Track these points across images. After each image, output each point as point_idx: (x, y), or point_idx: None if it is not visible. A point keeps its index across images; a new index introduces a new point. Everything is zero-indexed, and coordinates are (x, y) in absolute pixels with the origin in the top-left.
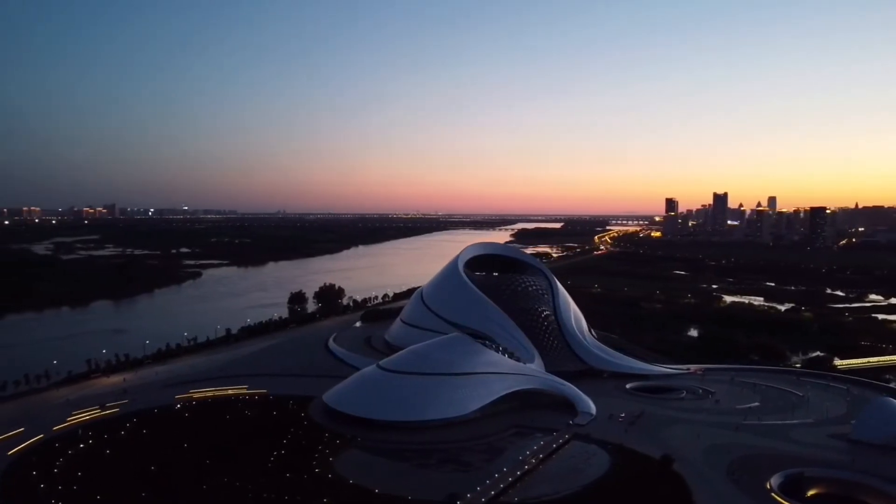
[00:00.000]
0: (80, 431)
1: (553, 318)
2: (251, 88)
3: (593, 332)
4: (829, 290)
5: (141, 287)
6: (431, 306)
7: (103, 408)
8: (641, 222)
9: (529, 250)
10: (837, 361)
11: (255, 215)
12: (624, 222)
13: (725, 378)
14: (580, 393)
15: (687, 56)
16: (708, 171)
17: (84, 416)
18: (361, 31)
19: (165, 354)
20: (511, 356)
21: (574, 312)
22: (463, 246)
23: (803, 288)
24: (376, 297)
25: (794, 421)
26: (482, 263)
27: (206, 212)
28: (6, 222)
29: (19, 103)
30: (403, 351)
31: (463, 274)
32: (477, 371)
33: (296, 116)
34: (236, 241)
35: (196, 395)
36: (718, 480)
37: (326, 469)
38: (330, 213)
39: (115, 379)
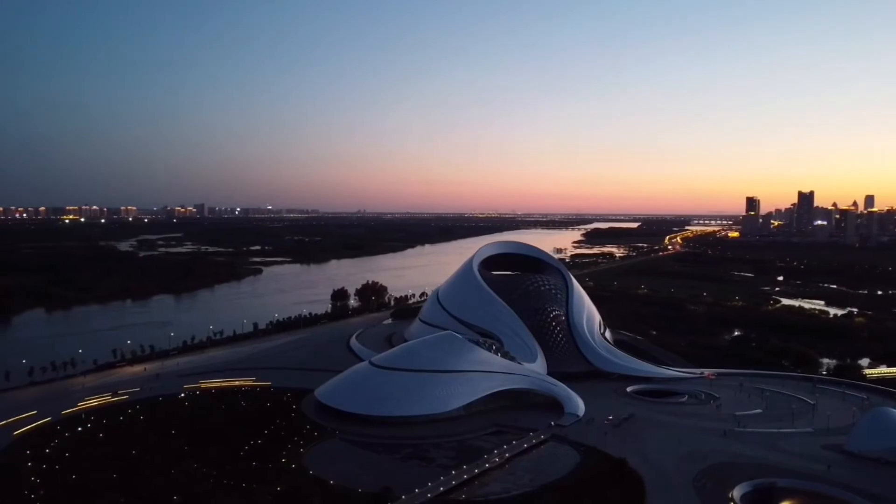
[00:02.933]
0: (83, 416)
1: (563, 318)
2: (335, 92)
3: (606, 336)
4: None
5: (202, 282)
6: (445, 305)
7: (114, 395)
8: (724, 222)
9: (594, 250)
10: (867, 370)
11: (335, 214)
12: (706, 222)
13: (736, 383)
14: (572, 394)
15: (770, 45)
16: (796, 169)
17: (94, 402)
18: (438, 32)
19: (191, 347)
20: (506, 355)
21: (588, 313)
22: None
23: (879, 292)
24: (413, 295)
25: (791, 429)
26: (503, 262)
27: (290, 211)
28: (102, 220)
29: (119, 109)
30: (396, 348)
31: (476, 273)
32: (464, 369)
33: (379, 118)
34: (306, 240)
35: (203, 386)
36: (680, 487)
37: (293, 460)
38: (408, 213)
39: (137, 368)
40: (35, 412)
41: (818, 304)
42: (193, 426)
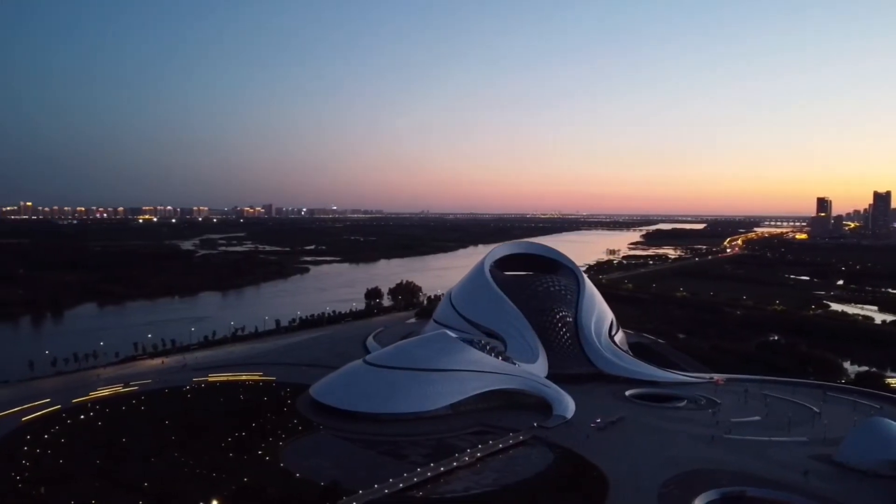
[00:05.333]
0: (89, 405)
1: (571, 319)
2: (403, 94)
3: (615, 339)
4: None
5: (249, 280)
6: (456, 305)
7: (125, 385)
8: (796, 223)
9: (649, 252)
10: (889, 379)
11: (398, 215)
12: (777, 224)
13: (741, 389)
14: (563, 397)
15: (842, 32)
16: (874, 169)
17: (105, 392)
18: (500, 32)
19: (212, 342)
20: (501, 355)
21: (598, 315)
22: (580, 245)
23: None
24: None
25: (785, 438)
26: (520, 263)
27: (354, 211)
28: (173, 220)
29: (194, 113)
30: (391, 346)
31: (487, 274)
32: (453, 368)
33: (447, 119)
34: (361, 240)
35: (211, 379)
36: (645, 493)
37: (269, 453)
38: (471, 213)
39: (155, 362)
40: (48, 400)
41: (870, 310)
42: (187, 417)
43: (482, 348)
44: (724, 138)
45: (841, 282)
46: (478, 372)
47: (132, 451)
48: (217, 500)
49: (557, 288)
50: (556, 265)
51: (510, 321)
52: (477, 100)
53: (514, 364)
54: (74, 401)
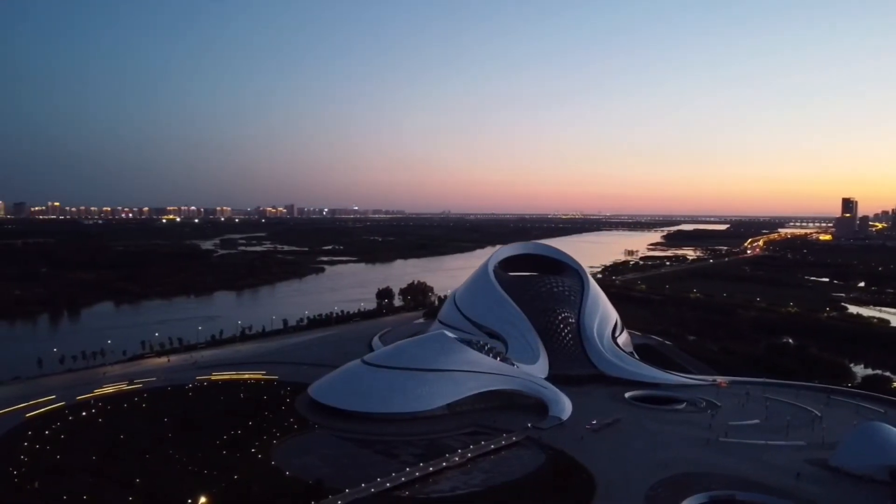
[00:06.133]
0: (92, 402)
1: (574, 320)
2: (424, 95)
3: (618, 340)
4: None
5: (264, 280)
6: (460, 305)
7: (130, 383)
8: (822, 224)
9: (668, 253)
10: None
11: (419, 215)
12: (802, 224)
13: (743, 392)
14: (560, 398)
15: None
16: None
17: (109, 389)
18: (520, 30)
19: (219, 341)
20: (499, 356)
21: (601, 316)
22: (599, 246)
23: None
24: None
25: (782, 442)
26: (525, 263)
27: (376, 211)
28: (196, 220)
29: (220, 115)
30: (389, 346)
31: (491, 275)
32: (449, 368)
33: (465, 118)
34: (379, 240)
35: (214, 377)
36: (633, 495)
37: (262, 451)
38: (492, 214)
39: (161, 360)
40: (53, 397)
41: (890, 313)
42: (185, 415)
43: (480, 349)
44: (749, 137)
45: (862, 283)
46: (474, 372)
47: (128, 447)
48: (205, 496)
49: (561, 289)
50: (561, 266)
51: (512, 322)
52: (499, 100)
53: (513, 365)
54: (78, 398)
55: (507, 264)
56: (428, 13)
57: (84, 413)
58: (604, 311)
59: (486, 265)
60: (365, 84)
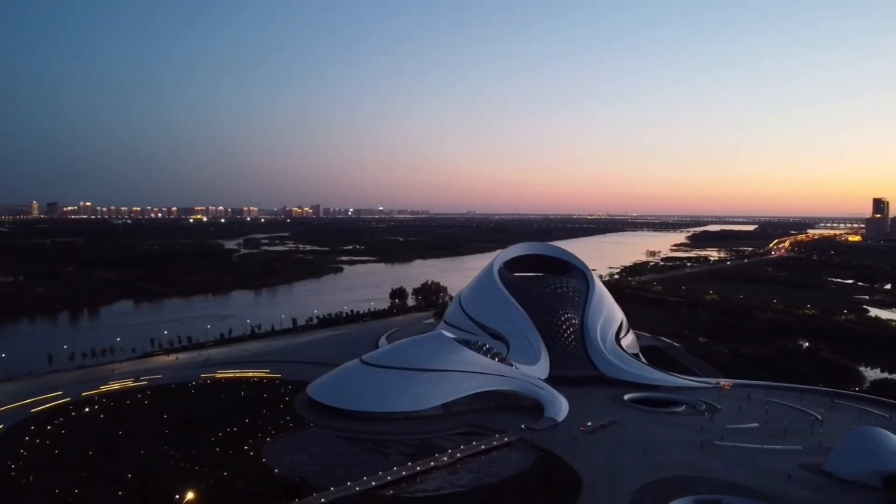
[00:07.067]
0: (96, 398)
1: (577, 321)
2: (451, 96)
3: (621, 342)
4: None
5: (282, 279)
6: (464, 306)
7: (136, 380)
8: (853, 225)
9: (691, 254)
10: None
11: (444, 215)
12: (832, 225)
13: (744, 395)
14: (557, 399)
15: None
16: None
17: (115, 386)
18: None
19: (228, 340)
20: (497, 356)
21: (605, 318)
22: (621, 247)
23: None
24: None
25: (779, 446)
26: (530, 264)
27: (401, 212)
28: (222, 220)
29: (254, 114)
30: (387, 346)
31: (496, 275)
32: (445, 368)
33: (491, 118)
34: (401, 240)
35: (218, 376)
36: (618, 498)
37: (256, 448)
38: (517, 214)
39: (170, 358)
40: (60, 392)
41: None
42: (185, 412)
43: (478, 349)
44: (778, 137)
45: (889, 286)
46: (470, 373)
47: (125, 442)
48: (192, 492)
49: (565, 290)
50: (568, 267)
51: (514, 322)
52: (526, 99)
53: (512, 365)
54: (84, 394)
55: (514, 265)
56: (456, 12)
57: (87, 409)
58: (608, 313)
59: (491, 266)
60: (394, 85)
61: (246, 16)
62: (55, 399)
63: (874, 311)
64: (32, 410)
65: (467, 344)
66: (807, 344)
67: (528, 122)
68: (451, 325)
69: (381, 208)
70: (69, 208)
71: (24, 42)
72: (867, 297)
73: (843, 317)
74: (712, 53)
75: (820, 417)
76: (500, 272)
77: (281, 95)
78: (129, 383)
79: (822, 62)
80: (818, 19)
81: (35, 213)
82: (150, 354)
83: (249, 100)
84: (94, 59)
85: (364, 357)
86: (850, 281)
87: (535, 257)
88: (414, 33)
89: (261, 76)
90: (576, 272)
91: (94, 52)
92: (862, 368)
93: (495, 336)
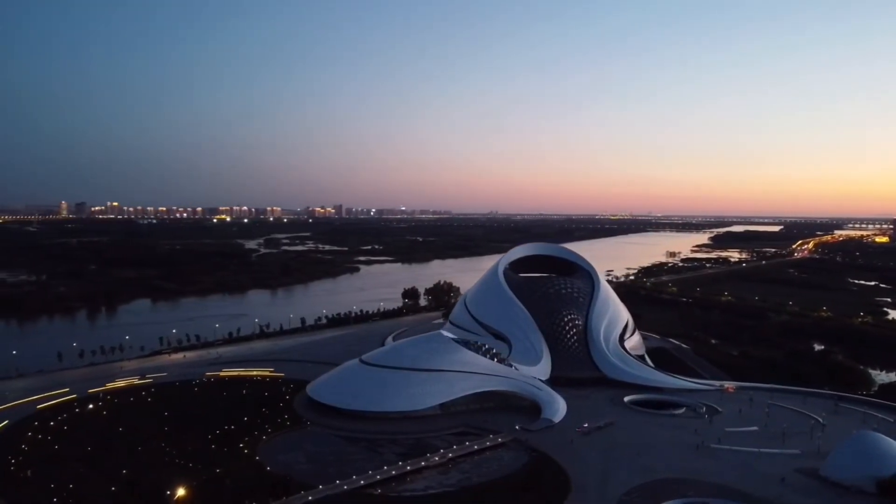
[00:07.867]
0: (101, 395)
1: (580, 322)
2: (471, 97)
3: (625, 344)
4: None
5: (297, 279)
6: (469, 306)
7: (141, 378)
8: (882, 226)
9: (712, 254)
10: None
11: (466, 216)
12: (860, 226)
13: (746, 398)
14: (555, 400)
15: None
16: None
17: (120, 383)
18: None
19: (236, 339)
20: (497, 357)
21: (610, 319)
22: (641, 248)
23: None
24: None
25: (777, 450)
26: (537, 264)
27: (423, 212)
28: (245, 220)
29: (281, 114)
30: (387, 346)
31: (500, 275)
32: (443, 368)
33: (513, 118)
34: (420, 240)
35: (222, 374)
36: (606, 500)
37: (251, 446)
38: (540, 215)
39: (177, 356)
40: (67, 389)
41: None
42: (185, 410)
43: (477, 349)
44: (805, 137)
45: None
46: (468, 373)
47: (124, 439)
48: (183, 488)
49: (570, 290)
50: (573, 267)
51: (517, 323)
52: (550, 99)
53: (511, 366)
54: (90, 391)
55: (520, 265)
56: (478, 13)
57: (91, 406)
58: (613, 314)
59: (496, 266)
60: (421, 86)
61: (287, 15)
62: (62, 396)
63: (894, 314)
64: (38, 406)
65: (466, 344)
66: (816, 346)
67: (552, 123)
68: (456, 326)
69: (403, 208)
70: (97, 208)
71: (63, 44)
72: (889, 299)
73: (860, 319)
74: (736, 52)
75: (821, 421)
76: (505, 273)
77: (308, 97)
78: (135, 381)
79: (852, 59)
80: (851, 16)
81: (64, 213)
82: (159, 353)
83: (277, 101)
84: (128, 61)
85: (363, 357)
86: (873, 283)
87: (541, 258)
88: (442, 35)
89: (289, 78)
90: (581, 273)
91: (128, 54)
92: (874, 372)
93: (498, 336)
